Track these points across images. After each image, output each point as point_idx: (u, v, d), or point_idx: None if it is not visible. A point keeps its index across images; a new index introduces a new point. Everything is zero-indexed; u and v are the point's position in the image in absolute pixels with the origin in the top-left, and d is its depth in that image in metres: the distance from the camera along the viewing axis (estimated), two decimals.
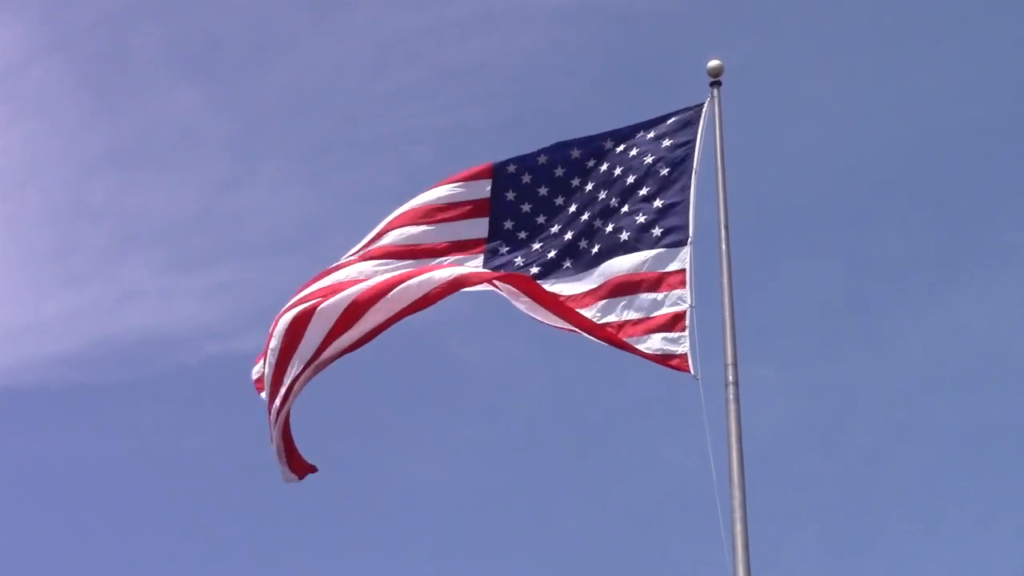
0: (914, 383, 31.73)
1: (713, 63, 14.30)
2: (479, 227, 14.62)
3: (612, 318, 13.63)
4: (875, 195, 34.07)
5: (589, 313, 13.70)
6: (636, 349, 13.33)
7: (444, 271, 13.57)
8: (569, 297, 13.86)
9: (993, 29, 33.92)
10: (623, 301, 13.65)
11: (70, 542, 31.91)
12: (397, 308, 13.47)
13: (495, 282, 13.69)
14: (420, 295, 13.41)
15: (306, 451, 13.96)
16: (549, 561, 29.07)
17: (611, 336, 13.48)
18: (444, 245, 14.50)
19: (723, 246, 13.44)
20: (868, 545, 28.82)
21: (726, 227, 13.52)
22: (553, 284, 14.01)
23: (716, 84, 14.29)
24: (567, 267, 14.11)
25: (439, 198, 14.65)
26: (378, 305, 13.48)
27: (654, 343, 13.34)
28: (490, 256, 14.39)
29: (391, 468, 30.83)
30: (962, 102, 34.15)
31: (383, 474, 30.84)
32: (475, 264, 14.32)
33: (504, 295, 13.81)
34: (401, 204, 14.95)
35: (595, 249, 14.10)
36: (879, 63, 34.87)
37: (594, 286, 13.87)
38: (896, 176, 33.92)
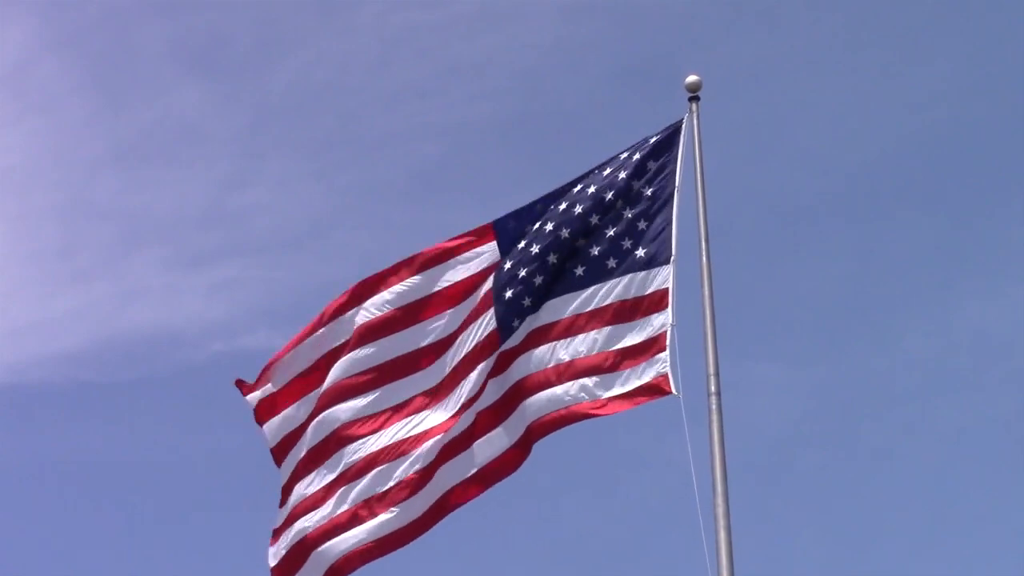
0: (920, 381, 31.79)
1: (691, 79, 14.29)
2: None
3: (593, 349, 13.75)
4: (882, 193, 34.13)
5: (571, 346, 13.86)
6: (603, 410, 13.58)
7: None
8: (553, 324, 13.98)
9: (996, 26, 33.92)
10: (606, 330, 13.76)
11: (74, 540, 32.07)
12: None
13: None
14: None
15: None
16: (546, 563, 29.13)
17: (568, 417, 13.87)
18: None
19: (703, 258, 13.50)
20: (872, 542, 28.86)
21: (706, 240, 13.57)
22: (535, 316, 14.06)
23: (695, 99, 14.29)
24: (552, 289, 14.14)
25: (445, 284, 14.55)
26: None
27: (629, 380, 13.49)
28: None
29: None
30: (966, 99, 34.20)
31: None
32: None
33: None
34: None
35: (579, 271, 14.13)
36: (884, 58, 34.93)
37: (578, 312, 13.95)
38: (903, 174, 33.98)
